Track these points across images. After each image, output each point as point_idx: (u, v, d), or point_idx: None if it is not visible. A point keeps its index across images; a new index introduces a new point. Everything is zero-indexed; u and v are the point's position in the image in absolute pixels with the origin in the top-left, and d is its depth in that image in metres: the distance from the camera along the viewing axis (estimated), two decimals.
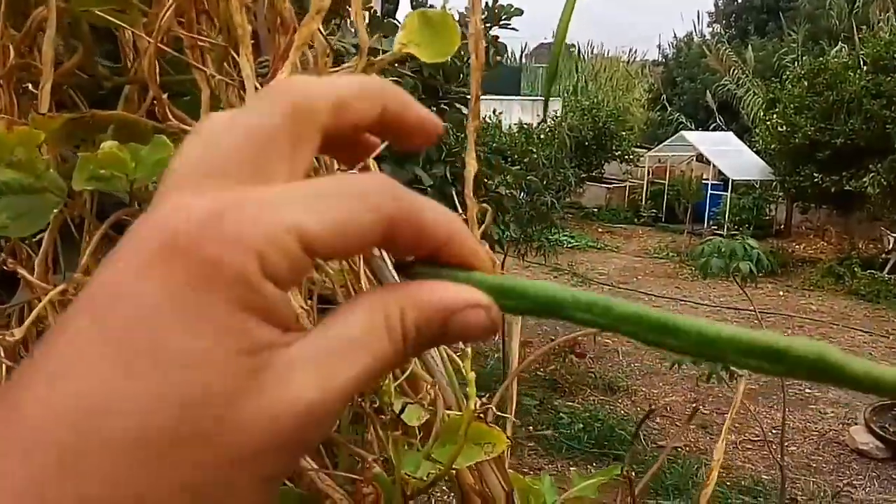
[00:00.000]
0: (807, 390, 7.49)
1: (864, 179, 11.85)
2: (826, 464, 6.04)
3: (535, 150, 8.58)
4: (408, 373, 0.79)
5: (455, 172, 3.48)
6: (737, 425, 6.35)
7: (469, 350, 0.77)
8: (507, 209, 5.11)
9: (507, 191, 5.17)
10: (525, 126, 11.01)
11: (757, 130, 15.62)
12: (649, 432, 6.25)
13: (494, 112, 10.65)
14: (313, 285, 0.83)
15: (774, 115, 13.66)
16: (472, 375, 0.74)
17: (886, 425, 6.21)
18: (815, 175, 12.68)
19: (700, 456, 5.76)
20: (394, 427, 0.73)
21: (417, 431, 0.82)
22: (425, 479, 0.72)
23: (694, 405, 5.82)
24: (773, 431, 6.05)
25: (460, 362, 0.79)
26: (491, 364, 6.84)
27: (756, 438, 6.14)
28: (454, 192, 0.91)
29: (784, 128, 13.16)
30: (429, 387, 0.83)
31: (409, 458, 0.74)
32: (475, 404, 0.73)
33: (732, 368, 1.37)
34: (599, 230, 16.11)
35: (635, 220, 16.93)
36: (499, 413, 0.93)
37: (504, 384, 0.96)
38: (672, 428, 6.32)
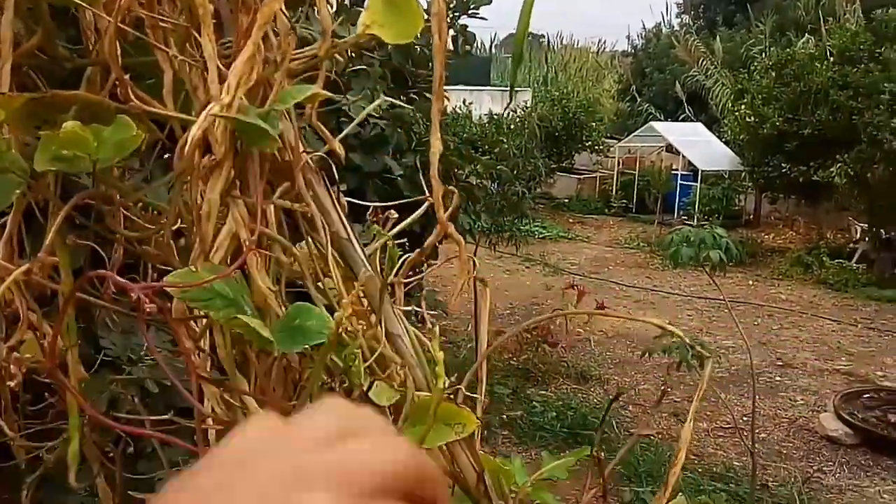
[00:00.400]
0: (777, 378, 7.58)
1: (832, 170, 11.97)
2: (796, 450, 6.12)
3: (505, 141, 8.60)
4: (377, 354, 0.80)
5: (424, 162, 3.47)
6: (708, 413, 6.42)
7: (437, 329, 0.77)
8: (477, 199, 5.11)
9: (478, 180, 5.17)
10: (495, 116, 11.02)
11: (725, 121, 15.75)
12: (622, 420, 6.30)
13: (464, 102, 10.65)
14: (281, 269, 0.83)
15: (743, 106, 13.78)
16: (440, 355, 0.75)
17: (855, 412, 6.30)
18: (784, 165, 12.81)
19: (672, 443, 5.80)
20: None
21: (388, 412, 0.82)
22: None
23: (662, 388, 5.86)
24: (744, 419, 6.11)
25: (429, 343, 0.80)
26: (464, 354, 6.86)
27: (727, 426, 6.21)
28: (424, 182, 0.91)
29: (752, 118, 13.28)
30: (398, 368, 0.83)
31: None
32: (444, 384, 0.74)
33: (703, 356, 1.40)
34: (570, 220, 16.19)
35: (606, 210, 17.03)
36: (469, 394, 0.93)
37: (474, 366, 0.97)
38: (644, 415, 6.38)
